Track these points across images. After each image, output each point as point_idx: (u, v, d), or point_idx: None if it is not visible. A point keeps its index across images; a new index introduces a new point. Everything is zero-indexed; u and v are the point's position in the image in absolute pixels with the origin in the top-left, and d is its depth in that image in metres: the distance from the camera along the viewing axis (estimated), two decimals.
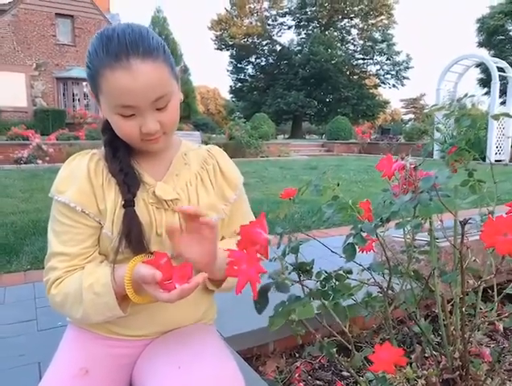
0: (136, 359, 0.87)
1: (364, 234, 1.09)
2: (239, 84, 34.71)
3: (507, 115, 1.42)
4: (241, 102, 33.96)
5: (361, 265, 1.27)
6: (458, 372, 1.13)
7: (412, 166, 1.16)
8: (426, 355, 1.37)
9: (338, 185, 1.15)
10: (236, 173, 0.96)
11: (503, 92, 11.22)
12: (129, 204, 0.79)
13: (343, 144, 15.33)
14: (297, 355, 1.40)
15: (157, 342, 0.86)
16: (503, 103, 11.52)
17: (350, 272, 1.23)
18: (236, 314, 1.40)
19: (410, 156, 1.16)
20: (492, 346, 1.47)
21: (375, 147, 14.33)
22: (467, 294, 1.12)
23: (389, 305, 1.18)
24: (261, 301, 0.88)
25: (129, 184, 0.80)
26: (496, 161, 9.80)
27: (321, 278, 1.23)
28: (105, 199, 0.80)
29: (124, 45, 0.70)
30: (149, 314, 0.84)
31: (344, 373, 1.32)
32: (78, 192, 0.79)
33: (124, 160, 0.82)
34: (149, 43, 0.72)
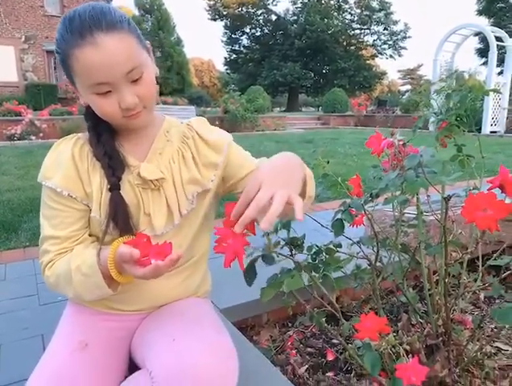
0: (134, 331, 0.91)
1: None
2: (234, 56, 34.00)
3: (497, 91, 1.43)
4: (236, 74, 33.35)
5: (350, 239, 1.31)
6: (441, 338, 1.19)
7: (401, 143, 1.19)
8: (413, 322, 1.44)
9: (328, 162, 1.17)
10: (218, 135, 0.95)
11: (501, 62, 11.07)
12: (114, 188, 0.81)
13: (339, 116, 15.21)
14: (290, 325, 1.46)
15: (153, 315, 0.90)
16: (501, 73, 11.37)
17: (340, 245, 1.28)
18: (231, 286, 1.45)
19: (398, 133, 1.18)
20: (476, 313, 1.54)
21: (371, 119, 14.24)
22: (452, 266, 1.17)
23: (377, 276, 1.24)
24: (249, 273, 0.92)
25: (114, 167, 0.81)
26: (491, 132, 9.80)
27: (312, 252, 1.28)
28: (90, 183, 0.82)
29: (86, 22, 0.71)
30: (139, 290, 0.87)
31: (335, 341, 1.38)
32: (64, 177, 0.81)
33: (108, 144, 0.83)
34: (111, 17, 0.73)
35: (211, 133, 0.94)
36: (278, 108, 32.12)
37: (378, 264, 1.27)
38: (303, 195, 0.76)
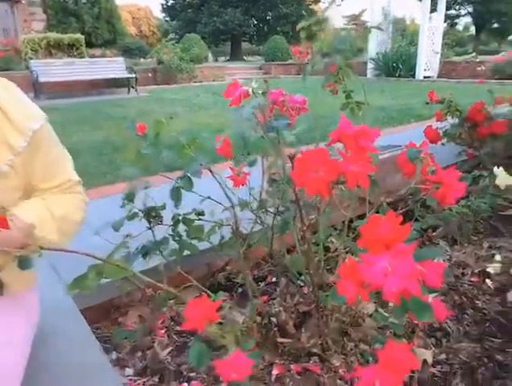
0: None
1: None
2: (171, 1, 31.67)
3: (379, 28, 1.28)
4: (175, 21, 31.28)
5: (221, 204, 1.17)
6: (314, 305, 1.11)
7: (260, 92, 1.03)
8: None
9: (172, 118, 0.99)
10: (26, 113, 0.77)
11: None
12: None
13: (280, 65, 14.76)
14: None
15: None
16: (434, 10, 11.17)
17: (202, 213, 1.13)
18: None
19: (254, 81, 1.02)
20: None
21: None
22: (315, 232, 1.07)
23: (243, 243, 1.11)
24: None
25: None
26: (425, 77, 9.95)
27: (173, 223, 1.13)
28: None
29: None
30: None
31: None
32: None
33: None
34: None
35: (15, 107, 0.75)
36: (223, 58, 30.85)
37: (247, 231, 1.15)
38: None
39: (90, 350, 0.94)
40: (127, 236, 1.13)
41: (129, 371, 1.07)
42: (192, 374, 1.03)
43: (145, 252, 1.03)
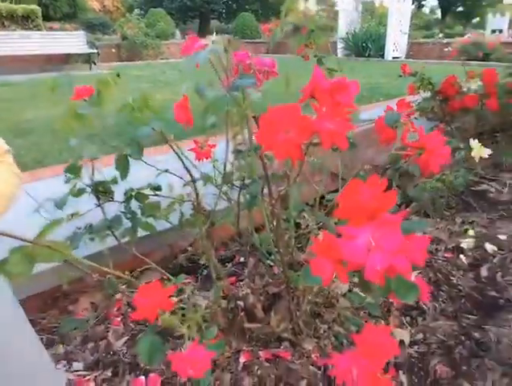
0: None
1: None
2: None
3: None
4: None
5: (181, 178, 1.05)
6: (284, 286, 1.02)
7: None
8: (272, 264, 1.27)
9: (118, 76, 0.85)
10: None
11: None
12: None
13: (249, 43, 14.42)
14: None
15: None
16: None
17: (158, 188, 1.01)
18: None
19: (214, 35, 0.90)
20: None
21: (284, 46, 13.73)
22: (285, 208, 0.97)
23: (205, 221, 1.00)
24: None
25: None
26: (394, 58, 9.97)
27: (125, 199, 1.00)
28: None
29: None
30: None
31: None
32: None
33: None
34: None
35: None
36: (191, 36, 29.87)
37: (210, 207, 1.04)
38: None
39: (27, 343, 0.81)
40: (73, 215, 1.00)
41: (78, 365, 0.96)
42: (150, 366, 0.93)
43: (91, 232, 0.90)
